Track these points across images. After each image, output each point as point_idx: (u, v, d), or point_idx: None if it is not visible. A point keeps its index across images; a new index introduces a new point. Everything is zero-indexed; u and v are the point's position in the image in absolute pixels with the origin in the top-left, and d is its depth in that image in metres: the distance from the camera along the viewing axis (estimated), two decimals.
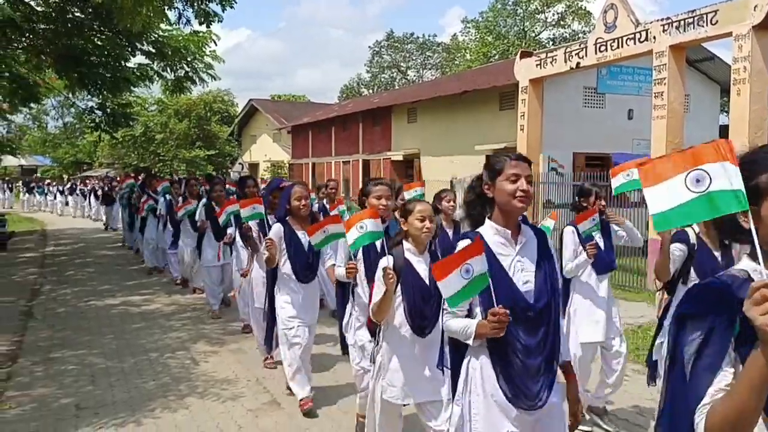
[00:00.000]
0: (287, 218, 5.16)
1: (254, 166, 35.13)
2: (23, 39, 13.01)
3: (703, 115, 16.70)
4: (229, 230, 7.77)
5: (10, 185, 37.84)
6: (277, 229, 5.09)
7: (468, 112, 18.52)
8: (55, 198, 32.11)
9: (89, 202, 27.06)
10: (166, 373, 6.14)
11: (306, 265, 5.11)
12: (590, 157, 15.71)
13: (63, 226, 24.01)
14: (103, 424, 4.85)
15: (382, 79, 52.65)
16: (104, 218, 22.53)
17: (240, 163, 29.68)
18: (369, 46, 53.55)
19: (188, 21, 12.51)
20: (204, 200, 8.90)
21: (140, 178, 14.73)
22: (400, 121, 22.51)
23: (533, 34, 42.66)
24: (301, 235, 5.02)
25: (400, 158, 21.82)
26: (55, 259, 14.75)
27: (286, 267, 5.09)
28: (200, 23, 10.86)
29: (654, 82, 10.26)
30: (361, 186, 8.76)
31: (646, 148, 13.23)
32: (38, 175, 46.96)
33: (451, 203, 5.97)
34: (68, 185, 32.38)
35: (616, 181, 4.18)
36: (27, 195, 35.14)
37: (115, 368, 6.30)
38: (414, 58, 52.78)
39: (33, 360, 6.60)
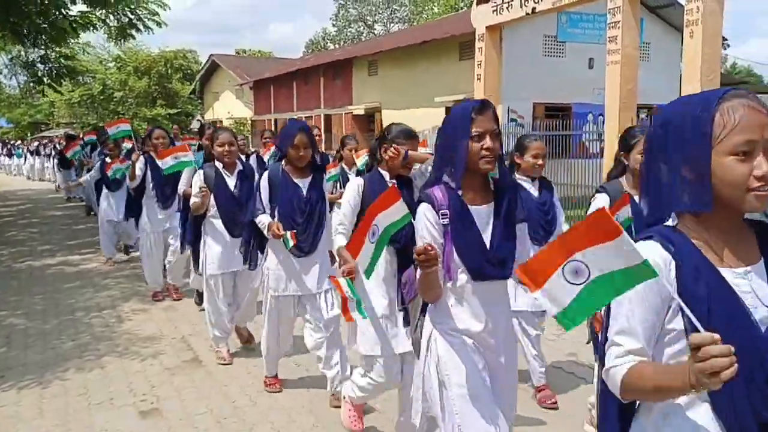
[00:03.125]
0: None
1: (216, 124, 34.31)
2: None
3: (663, 63, 16.52)
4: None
5: None
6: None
7: (428, 63, 18.10)
8: (25, 160, 29.37)
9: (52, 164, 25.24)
10: (89, 332, 5.83)
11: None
12: (550, 107, 15.49)
13: (16, 187, 23.25)
14: (8, 387, 4.55)
15: (348, 34, 51.55)
16: (58, 182, 19.56)
17: (198, 120, 28.93)
18: (334, 0, 52.13)
19: None
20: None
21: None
22: (361, 74, 22.00)
23: None
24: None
25: (362, 112, 21.39)
26: None
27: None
28: None
29: (608, 26, 9.92)
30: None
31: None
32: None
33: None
34: (34, 146, 30.18)
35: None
36: (7, 159, 32.40)
37: (35, 329, 5.97)
38: (381, 11, 51.67)
39: None
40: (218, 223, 4.85)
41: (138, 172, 6.56)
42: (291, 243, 3.79)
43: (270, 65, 34.14)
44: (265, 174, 4.08)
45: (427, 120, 16.98)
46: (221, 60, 35.85)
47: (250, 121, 31.46)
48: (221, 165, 4.86)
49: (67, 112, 39.51)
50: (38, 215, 14.81)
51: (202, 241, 4.98)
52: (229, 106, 34.65)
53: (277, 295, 4.07)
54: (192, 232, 5.25)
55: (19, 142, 36.76)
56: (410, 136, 3.42)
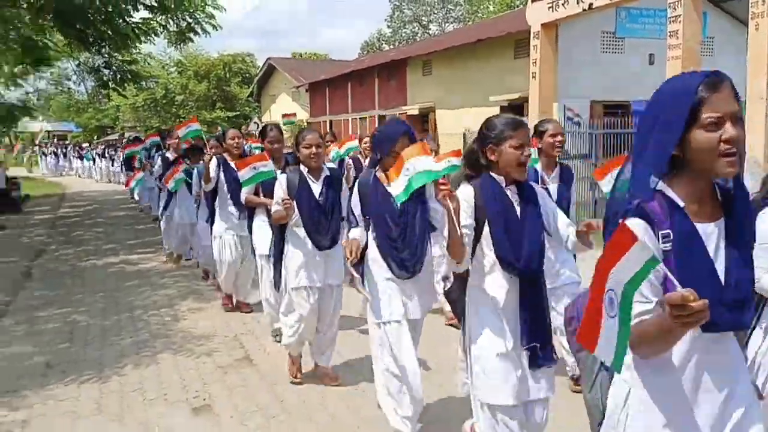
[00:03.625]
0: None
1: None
2: None
3: (728, 58, 15.87)
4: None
5: (64, 151, 35.85)
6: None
7: (483, 62, 17.93)
8: (94, 162, 29.94)
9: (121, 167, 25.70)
10: (146, 330, 6.00)
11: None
12: (609, 105, 15.11)
13: (83, 189, 24.15)
14: (69, 381, 4.72)
15: (403, 35, 51.57)
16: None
17: (255, 122, 29.43)
18: (389, 1, 52.23)
19: None
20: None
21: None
22: (415, 74, 21.97)
23: None
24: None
25: (416, 112, 21.35)
26: (66, 220, 14.78)
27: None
28: None
29: (668, 20, 9.63)
30: None
31: None
32: (67, 141, 47.13)
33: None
34: (101, 149, 31.03)
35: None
36: (78, 162, 33.09)
37: (95, 326, 6.18)
38: (435, 11, 51.50)
39: (17, 319, 6.52)
40: (302, 233, 4.32)
41: (212, 174, 6.10)
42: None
43: (325, 67, 34.47)
44: (357, 184, 3.67)
45: (481, 119, 16.82)
46: (278, 63, 36.38)
47: (306, 123, 31.82)
48: (306, 169, 4.31)
49: (131, 116, 40.82)
50: (103, 216, 15.36)
51: (285, 251, 4.47)
52: (285, 108, 35.04)
53: (382, 321, 3.51)
54: (277, 245, 4.56)
55: (86, 145, 38.13)
56: (519, 125, 2.77)
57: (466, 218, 2.70)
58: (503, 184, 2.78)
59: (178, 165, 7.98)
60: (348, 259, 3.33)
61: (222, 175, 6.14)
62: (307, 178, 4.30)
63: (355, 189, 3.64)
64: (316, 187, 4.31)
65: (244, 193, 5.23)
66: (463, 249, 2.65)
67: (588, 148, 13.67)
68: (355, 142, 7.84)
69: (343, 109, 27.37)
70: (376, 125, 23.75)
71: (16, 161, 38.34)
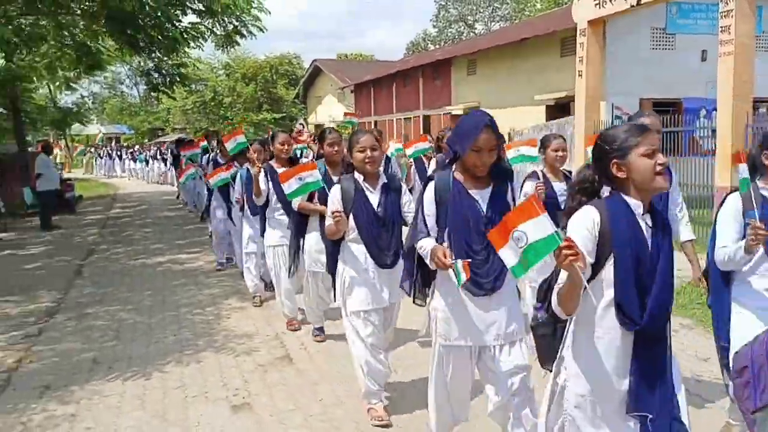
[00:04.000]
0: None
1: (319, 127, 35.16)
2: (73, 4, 13.18)
3: None
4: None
5: (119, 153, 36.60)
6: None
7: (528, 60, 17.71)
8: (147, 164, 30.28)
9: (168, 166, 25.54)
10: (189, 328, 6.10)
11: None
12: (659, 103, 14.70)
13: (134, 190, 24.77)
14: (114, 377, 4.83)
15: (449, 34, 51.37)
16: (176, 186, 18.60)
17: (301, 124, 29.69)
18: (434, 1, 52.06)
19: None
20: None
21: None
22: (460, 74, 21.85)
23: None
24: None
25: (461, 112, 21.21)
26: (117, 220, 15.18)
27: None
28: None
29: (720, 14, 9.33)
30: None
31: None
32: (120, 143, 48.37)
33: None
34: (152, 151, 31.60)
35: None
36: (132, 164, 33.38)
37: (142, 324, 6.32)
38: (481, 10, 51.14)
39: (68, 316, 6.72)
40: (359, 249, 3.91)
41: (262, 186, 5.67)
42: (463, 277, 2.81)
43: (371, 68, 34.59)
44: (431, 185, 3.08)
45: (526, 119, 16.63)
46: (323, 65, 36.69)
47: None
48: (361, 177, 3.92)
49: (181, 118, 41.71)
50: (152, 216, 15.72)
51: (339, 268, 4.04)
52: (331, 110, 35.40)
53: (448, 344, 3.10)
54: (332, 259, 4.22)
55: (137, 147, 39.04)
56: (644, 129, 2.32)
57: (586, 256, 2.19)
58: (639, 210, 2.28)
59: (227, 168, 7.93)
60: (441, 265, 2.85)
61: (270, 183, 5.70)
62: (364, 188, 3.90)
63: (429, 193, 3.06)
64: (374, 197, 3.91)
65: (296, 201, 4.90)
66: (578, 301, 2.20)
67: None
68: (426, 144, 7.57)
69: (388, 110, 27.40)
70: (421, 125, 23.71)
71: (75, 163, 39.56)
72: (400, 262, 3.75)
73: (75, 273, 9.03)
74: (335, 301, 4.48)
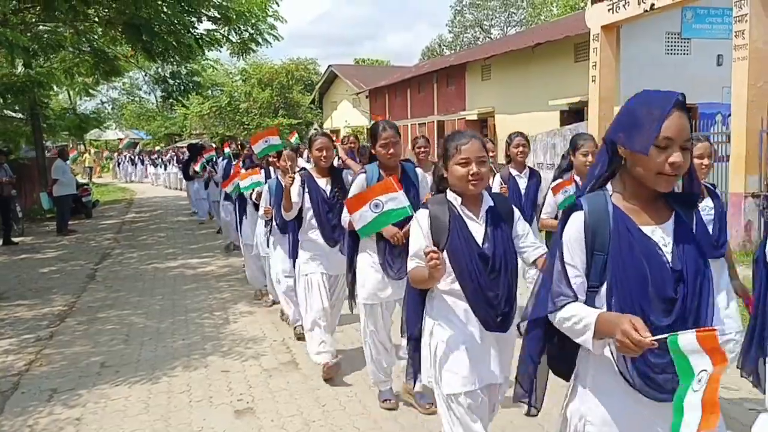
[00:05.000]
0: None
1: (335, 133, 35.27)
2: (90, 11, 13.34)
3: None
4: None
5: (141, 158, 35.93)
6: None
7: (542, 66, 17.65)
8: (165, 169, 29.28)
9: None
10: (198, 332, 6.15)
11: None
12: None
13: (150, 195, 24.99)
14: (121, 381, 4.88)
15: (465, 39, 51.33)
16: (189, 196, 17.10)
17: (315, 129, 29.81)
18: (450, 6, 52.09)
19: None
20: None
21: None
22: (474, 79, 21.83)
23: None
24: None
25: (475, 117, 21.21)
26: (132, 225, 15.33)
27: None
28: None
29: (734, 19, 9.27)
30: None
31: None
32: (140, 148, 48.67)
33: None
34: (168, 157, 31.29)
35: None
36: (152, 169, 32.56)
37: (151, 328, 6.37)
38: (497, 15, 51.08)
39: (79, 320, 6.80)
40: (461, 305, 2.74)
41: (295, 198, 4.69)
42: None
43: (386, 73, 34.63)
44: (577, 217, 1.98)
45: (540, 124, 16.57)
46: (339, 70, 36.79)
47: (366, 130, 32.06)
48: (458, 198, 2.76)
49: (198, 124, 42.02)
50: (167, 221, 15.85)
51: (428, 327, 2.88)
52: (346, 115, 35.48)
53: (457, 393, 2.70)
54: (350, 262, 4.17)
55: (157, 149, 39.05)
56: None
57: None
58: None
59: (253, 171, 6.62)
60: (634, 349, 1.67)
61: (307, 196, 4.73)
62: (462, 214, 2.75)
63: (573, 229, 1.95)
64: (478, 228, 2.74)
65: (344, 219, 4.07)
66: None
67: None
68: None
69: (403, 115, 27.43)
70: (435, 130, 23.72)
71: (104, 166, 39.79)
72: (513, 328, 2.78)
73: (89, 277, 9.13)
74: (352, 312, 4.47)
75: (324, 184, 4.75)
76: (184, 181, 22.07)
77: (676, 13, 14.25)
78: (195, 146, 14.59)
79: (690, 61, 14.89)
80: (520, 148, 5.60)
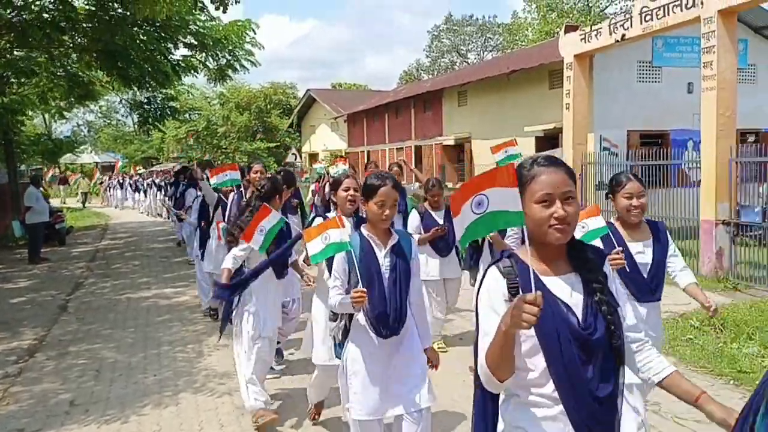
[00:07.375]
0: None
1: (314, 156, 35.27)
2: (65, 38, 13.28)
3: None
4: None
5: (121, 182, 33.74)
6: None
7: (517, 92, 17.87)
8: (145, 195, 28.10)
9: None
10: (171, 367, 6.05)
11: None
12: (646, 135, 14.83)
13: (125, 220, 24.70)
14: (90, 421, 4.78)
15: (442, 64, 51.91)
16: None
17: (293, 153, 29.81)
18: (428, 31, 52.72)
19: (203, 8, 12.50)
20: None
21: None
22: (451, 104, 22.02)
23: (598, 9, 40.96)
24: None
25: (452, 143, 21.35)
26: (106, 252, 15.11)
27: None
28: (216, 8, 10.32)
29: (702, 50, 9.49)
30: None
31: None
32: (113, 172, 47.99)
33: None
34: (148, 181, 30.04)
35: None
36: (135, 194, 30.83)
37: (122, 363, 6.26)
38: (474, 40, 51.77)
39: (49, 354, 6.66)
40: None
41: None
42: None
43: (364, 98, 34.82)
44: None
45: (516, 150, 16.70)
46: (317, 94, 36.92)
47: (344, 154, 32.11)
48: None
49: (175, 147, 41.80)
50: (141, 248, 15.65)
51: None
52: (324, 139, 35.54)
53: None
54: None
55: (138, 173, 37.70)
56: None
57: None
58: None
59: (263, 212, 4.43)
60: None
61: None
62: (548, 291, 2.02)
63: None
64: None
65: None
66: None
67: None
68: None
69: (381, 140, 27.55)
70: (413, 155, 23.83)
71: (94, 191, 38.57)
72: None
73: (60, 308, 8.97)
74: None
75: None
76: (164, 208, 21.05)
77: (647, 42, 14.54)
78: (186, 170, 13.39)
79: (662, 89, 15.17)
80: (634, 201, 3.42)
